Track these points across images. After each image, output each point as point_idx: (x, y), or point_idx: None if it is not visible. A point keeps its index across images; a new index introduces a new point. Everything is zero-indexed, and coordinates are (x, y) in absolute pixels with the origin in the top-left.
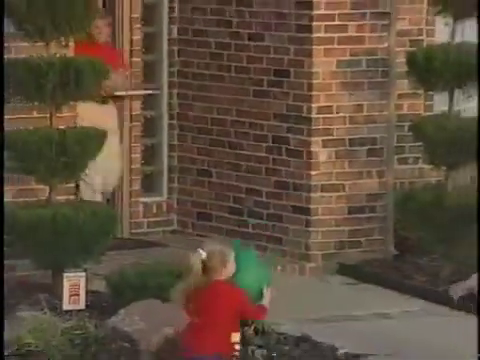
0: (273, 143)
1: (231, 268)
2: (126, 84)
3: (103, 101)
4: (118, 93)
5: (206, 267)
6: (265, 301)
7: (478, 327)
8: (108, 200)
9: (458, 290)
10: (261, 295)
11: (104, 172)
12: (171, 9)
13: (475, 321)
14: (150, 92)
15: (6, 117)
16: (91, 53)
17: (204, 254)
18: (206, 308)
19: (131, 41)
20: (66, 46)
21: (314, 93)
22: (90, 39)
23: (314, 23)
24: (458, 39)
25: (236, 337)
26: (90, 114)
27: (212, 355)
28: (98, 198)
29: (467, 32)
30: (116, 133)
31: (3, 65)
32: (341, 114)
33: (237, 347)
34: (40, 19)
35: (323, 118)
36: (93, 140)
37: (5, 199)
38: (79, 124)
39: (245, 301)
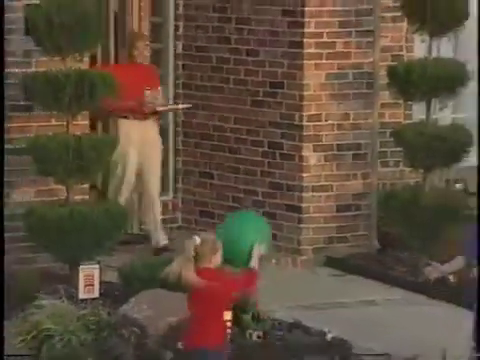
0: (268, 148)
1: (219, 258)
2: (164, 101)
3: (144, 117)
4: (158, 109)
5: (198, 253)
6: (253, 262)
7: (478, 327)
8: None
9: (433, 272)
10: (250, 255)
11: (154, 187)
12: (176, 27)
13: (447, 308)
14: (184, 106)
15: (28, 124)
16: (131, 72)
17: (198, 240)
18: (199, 300)
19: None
20: (80, 61)
21: (305, 103)
22: (130, 59)
23: (305, 40)
24: (434, 54)
25: (227, 315)
26: (133, 129)
27: (211, 348)
28: (126, 193)
29: (442, 48)
30: (157, 145)
31: (3, 67)
32: (329, 122)
33: (229, 325)
34: (57, 37)
35: (313, 125)
36: (106, 146)
37: (26, 199)
38: (121, 139)
39: (233, 285)
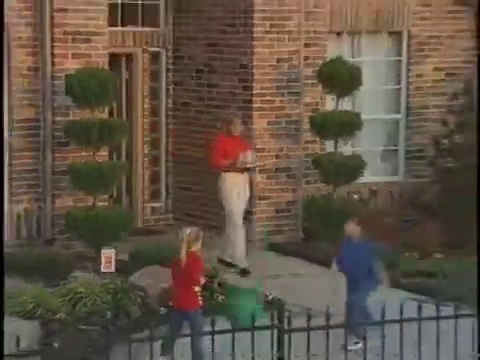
0: None
1: (199, 244)
2: (251, 160)
3: (241, 171)
4: (248, 166)
5: (188, 240)
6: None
7: (478, 326)
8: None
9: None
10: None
11: (239, 209)
12: (167, 90)
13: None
14: (252, 166)
15: (68, 154)
16: (231, 142)
17: (188, 231)
18: (183, 272)
19: (143, 110)
20: (102, 112)
21: (254, 141)
22: (228, 133)
23: (254, 98)
24: (339, 108)
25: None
26: (233, 179)
27: (190, 310)
28: (239, 221)
29: (345, 104)
30: (247, 189)
31: (3, 65)
32: (270, 153)
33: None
34: (87, 96)
35: (259, 155)
36: (119, 168)
37: (66, 204)
38: (225, 184)
39: (199, 265)
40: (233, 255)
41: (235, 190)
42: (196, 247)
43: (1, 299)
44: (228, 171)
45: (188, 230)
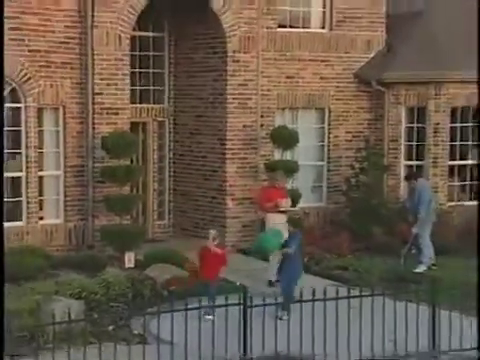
0: (213, 172)
1: (217, 240)
2: (287, 205)
3: (279, 212)
4: (283, 209)
5: (214, 236)
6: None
7: (478, 326)
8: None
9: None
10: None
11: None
12: (169, 146)
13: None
14: (288, 209)
15: (105, 190)
16: (274, 191)
17: (213, 231)
18: (210, 261)
19: (153, 159)
20: (126, 160)
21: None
22: (272, 184)
23: (226, 151)
24: (284, 158)
25: (222, 272)
26: (276, 218)
27: (215, 281)
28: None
29: (287, 155)
30: (285, 225)
31: (3, 66)
32: (238, 188)
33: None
34: (117, 150)
35: (231, 190)
36: (137, 198)
37: (101, 222)
38: (270, 221)
39: (225, 256)
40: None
41: (277, 227)
42: (216, 241)
43: (1, 299)
44: (270, 212)
45: (213, 231)
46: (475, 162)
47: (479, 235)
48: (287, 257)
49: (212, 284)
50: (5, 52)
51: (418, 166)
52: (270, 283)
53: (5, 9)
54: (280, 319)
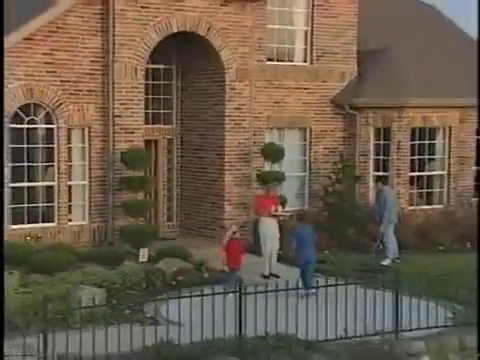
0: (212, 181)
1: (238, 234)
2: (279, 211)
3: (272, 217)
4: (276, 214)
5: (234, 230)
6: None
7: (478, 326)
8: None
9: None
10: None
11: (270, 239)
12: (177, 159)
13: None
14: (280, 214)
15: (123, 196)
16: (267, 199)
17: (235, 226)
18: (234, 250)
19: (163, 170)
20: (141, 172)
21: (226, 188)
22: (267, 192)
23: (225, 164)
24: (273, 169)
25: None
26: (268, 221)
27: (236, 267)
28: (274, 256)
29: (275, 167)
30: (277, 229)
31: (3, 67)
32: (234, 195)
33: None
34: (133, 163)
35: (228, 196)
36: (150, 204)
37: (120, 223)
38: (263, 225)
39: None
40: (271, 267)
41: (269, 229)
42: (237, 234)
43: (1, 299)
44: (264, 216)
45: (235, 226)
46: (431, 173)
47: (479, 235)
48: (294, 249)
49: (237, 270)
50: (41, 82)
51: (384, 176)
52: (264, 276)
53: (42, 46)
54: (301, 297)
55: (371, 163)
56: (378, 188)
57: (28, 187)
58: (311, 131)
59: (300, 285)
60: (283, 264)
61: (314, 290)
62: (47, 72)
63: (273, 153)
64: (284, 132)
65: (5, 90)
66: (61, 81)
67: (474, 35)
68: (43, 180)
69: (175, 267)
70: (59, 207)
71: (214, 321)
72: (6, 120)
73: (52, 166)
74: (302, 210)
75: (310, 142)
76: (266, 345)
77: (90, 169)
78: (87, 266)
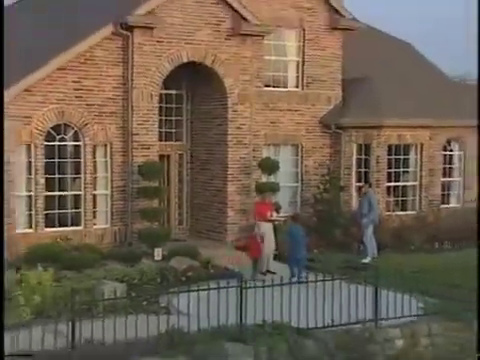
0: (217, 191)
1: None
2: (275, 216)
3: (268, 221)
4: (273, 219)
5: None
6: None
7: (478, 327)
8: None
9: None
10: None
11: (267, 240)
12: (187, 172)
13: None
14: (275, 219)
15: (140, 203)
16: (264, 205)
17: (256, 228)
18: (256, 244)
19: (175, 181)
20: (155, 182)
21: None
22: (263, 199)
23: (228, 176)
24: (269, 180)
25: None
26: (265, 225)
27: (258, 256)
28: (271, 257)
29: (271, 178)
30: (272, 232)
31: (3, 68)
32: (236, 202)
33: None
34: (148, 174)
35: (230, 204)
36: (163, 210)
37: (138, 227)
38: (260, 229)
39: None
40: (268, 265)
41: (267, 232)
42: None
43: (1, 299)
44: (262, 221)
45: (256, 227)
46: (405, 183)
47: (479, 234)
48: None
49: (258, 258)
50: (70, 106)
51: (368, 183)
52: (262, 272)
53: (72, 75)
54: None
55: (354, 175)
56: (363, 191)
57: (59, 196)
58: (302, 147)
59: (292, 279)
60: (278, 262)
61: (304, 277)
62: (76, 97)
63: (269, 166)
64: (279, 148)
65: (38, 113)
66: (87, 104)
67: (443, 69)
68: (72, 190)
69: (185, 265)
70: (85, 213)
71: (218, 311)
72: (40, 138)
73: (79, 178)
74: (296, 213)
75: (302, 157)
76: (264, 332)
77: (112, 180)
78: (109, 264)
